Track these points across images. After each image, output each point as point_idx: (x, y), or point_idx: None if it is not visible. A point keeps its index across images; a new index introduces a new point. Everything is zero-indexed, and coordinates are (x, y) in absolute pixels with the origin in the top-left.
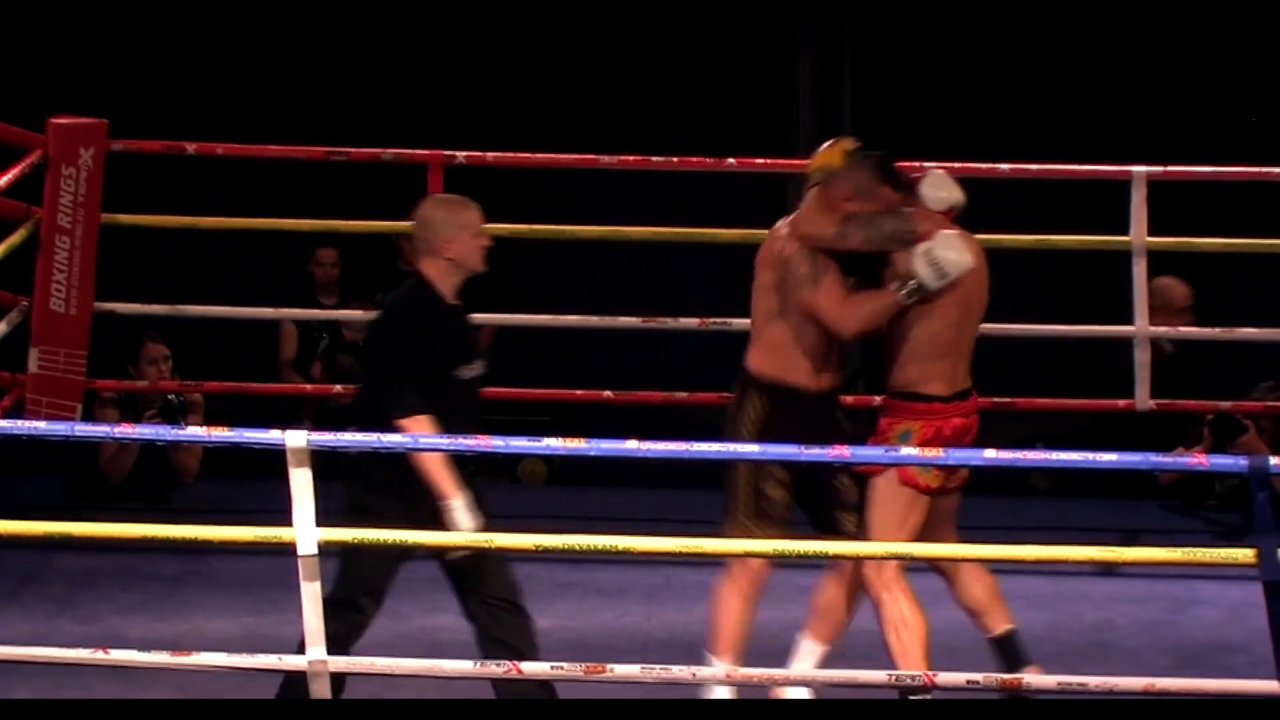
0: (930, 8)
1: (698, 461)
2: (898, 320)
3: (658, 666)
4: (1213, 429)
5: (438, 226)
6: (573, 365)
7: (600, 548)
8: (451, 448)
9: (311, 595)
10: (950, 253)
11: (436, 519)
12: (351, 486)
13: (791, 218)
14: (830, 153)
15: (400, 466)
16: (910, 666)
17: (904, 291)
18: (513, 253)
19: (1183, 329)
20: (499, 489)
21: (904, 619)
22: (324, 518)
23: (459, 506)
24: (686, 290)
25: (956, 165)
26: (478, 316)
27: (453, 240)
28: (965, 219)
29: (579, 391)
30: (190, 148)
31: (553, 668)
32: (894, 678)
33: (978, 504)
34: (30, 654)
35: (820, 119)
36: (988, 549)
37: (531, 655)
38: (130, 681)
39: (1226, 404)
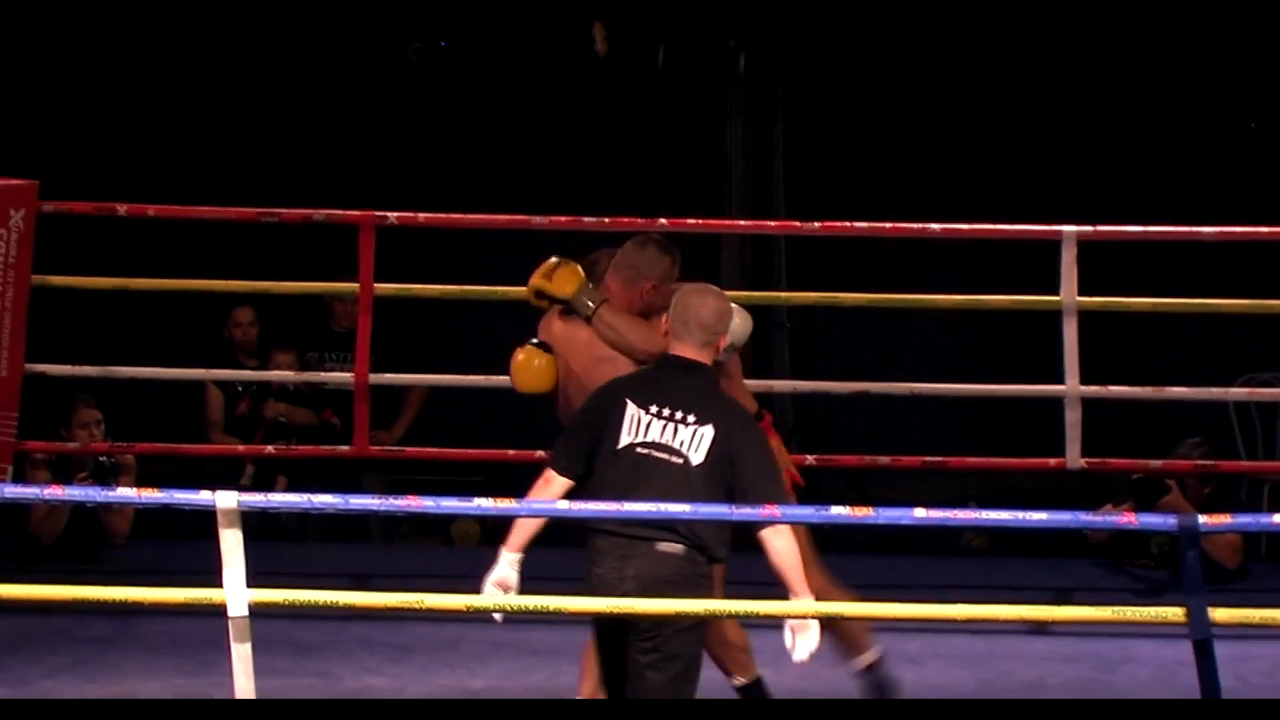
0: (862, 70)
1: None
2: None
3: None
4: (1134, 490)
5: (724, 321)
6: (506, 425)
7: (533, 608)
8: (383, 509)
9: (242, 656)
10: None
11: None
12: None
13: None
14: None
15: None
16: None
17: None
18: (445, 313)
19: (1114, 388)
20: (432, 548)
21: None
22: (255, 578)
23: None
24: None
25: (888, 225)
26: (409, 376)
27: (722, 336)
28: (900, 278)
29: (511, 452)
30: (121, 209)
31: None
32: None
33: (910, 563)
34: None
35: (752, 179)
36: (919, 608)
37: None
38: None
39: (1157, 463)
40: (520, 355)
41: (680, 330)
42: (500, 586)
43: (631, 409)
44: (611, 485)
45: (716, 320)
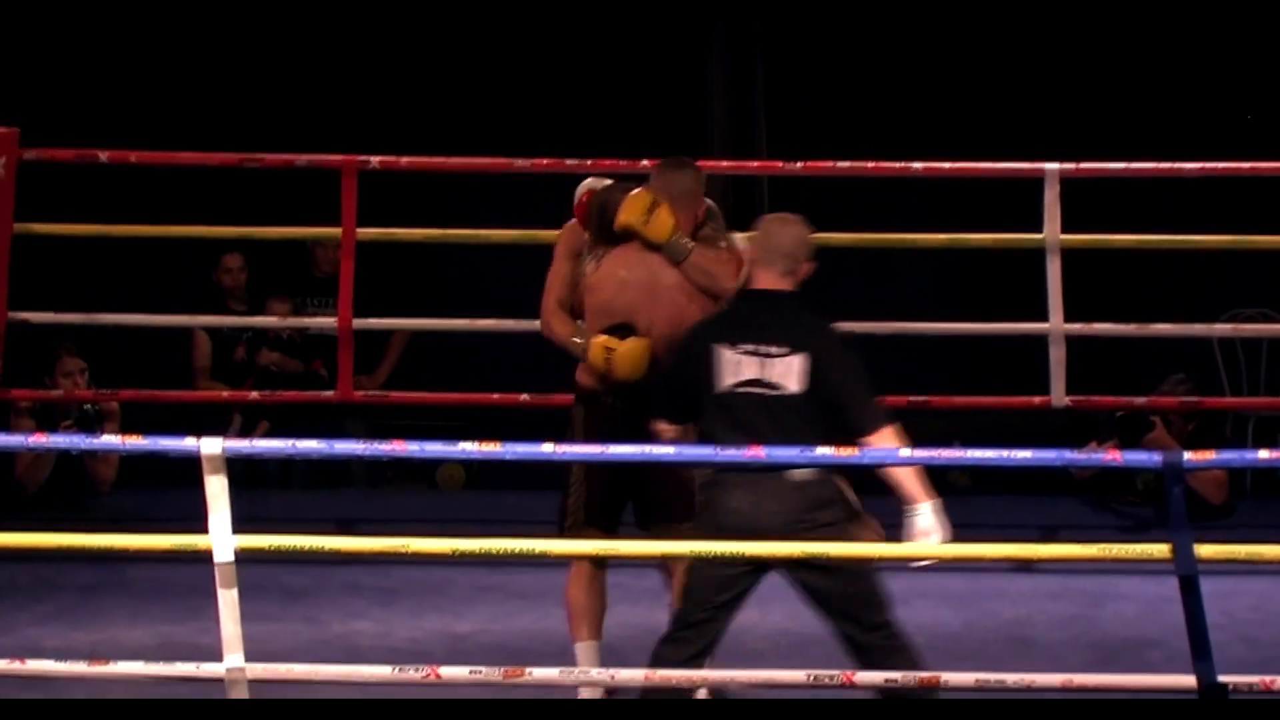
0: (842, 8)
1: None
2: None
3: (577, 669)
4: (1118, 428)
5: (806, 248)
6: (489, 369)
7: (518, 551)
8: (367, 453)
9: (229, 602)
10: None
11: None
12: (810, 509)
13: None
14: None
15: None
16: None
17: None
18: (427, 257)
19: (1098, 325)
20: (417, 493)
21: None
22: (240, 524)
23: (928, 511)
24: None
25: (870, 164)
26: (392, 321)
27: (807, 263)
28: (882, 217)
29: (495, 395)
30: (103, 155)
31: (471, 672)
32: (812, 677)
33: (894, 502)
34: None
35: (733, 120)
36: (905, 547)
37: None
38: (47, 692)
39: (1141, 400)
40: (631, 345)
41: (763, 259)
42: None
43: (723, 351)
44: (721, 428)
45: (798, 247)
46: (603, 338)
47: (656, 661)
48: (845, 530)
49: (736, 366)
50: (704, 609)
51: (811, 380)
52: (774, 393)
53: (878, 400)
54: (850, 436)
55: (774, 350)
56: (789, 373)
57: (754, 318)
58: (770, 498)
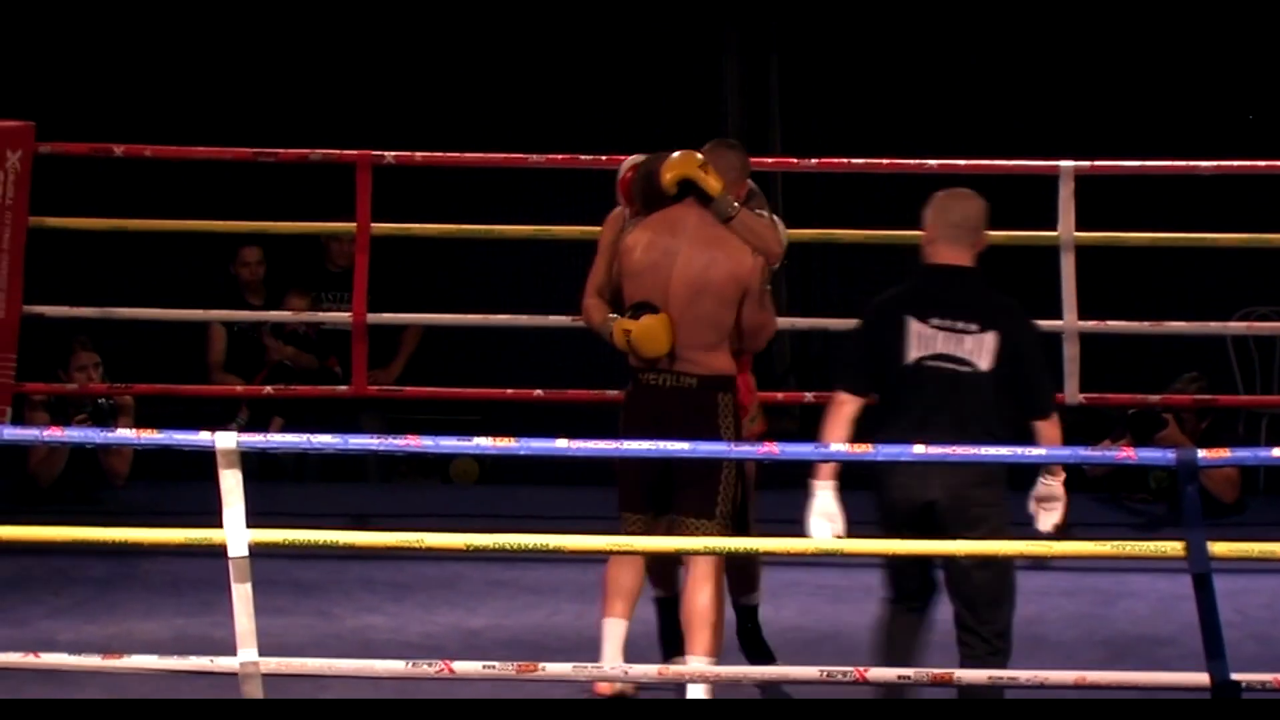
0: (857, 5)
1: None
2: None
3: (590, 665)
4: (1132, 425)
5: (984, 221)
6: (503, 364)
7: (532, 546)
8: (381, 448)
9: (242, 596)
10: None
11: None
12: (975, 486)
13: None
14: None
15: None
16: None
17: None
18: (442, 252)
19: (1112, 323)
20: (430, 488)
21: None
22: (254, 519)
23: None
24: None
25: (884, 162)
26: (406, 316)
27: (984, 235)
28: (897, 214)
29: (509, 391)
30: (118, 150)
31: (485, 667)
32: (825, 673)
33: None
34: None
35: (748, 116)
36: (919, 544)
37: None
38: (61, 685)
39: (1155, 397)
40: (646, 322)
41: (944, 235)
42: (826, 518)
43: (912, 324)
44: (904, 401)
45: (978, 221)
46: (620, 320)
47: (891, 641)
48: (1001, 513)
49: (927, 340)
50: (911, 573)
51: (1001, 358)
52: (964, 369)
53: (1054, 389)
54: (1026, 417)
55: (966, 326)
56: (980, 350)
57: (943, 292)
58: (940, 469)
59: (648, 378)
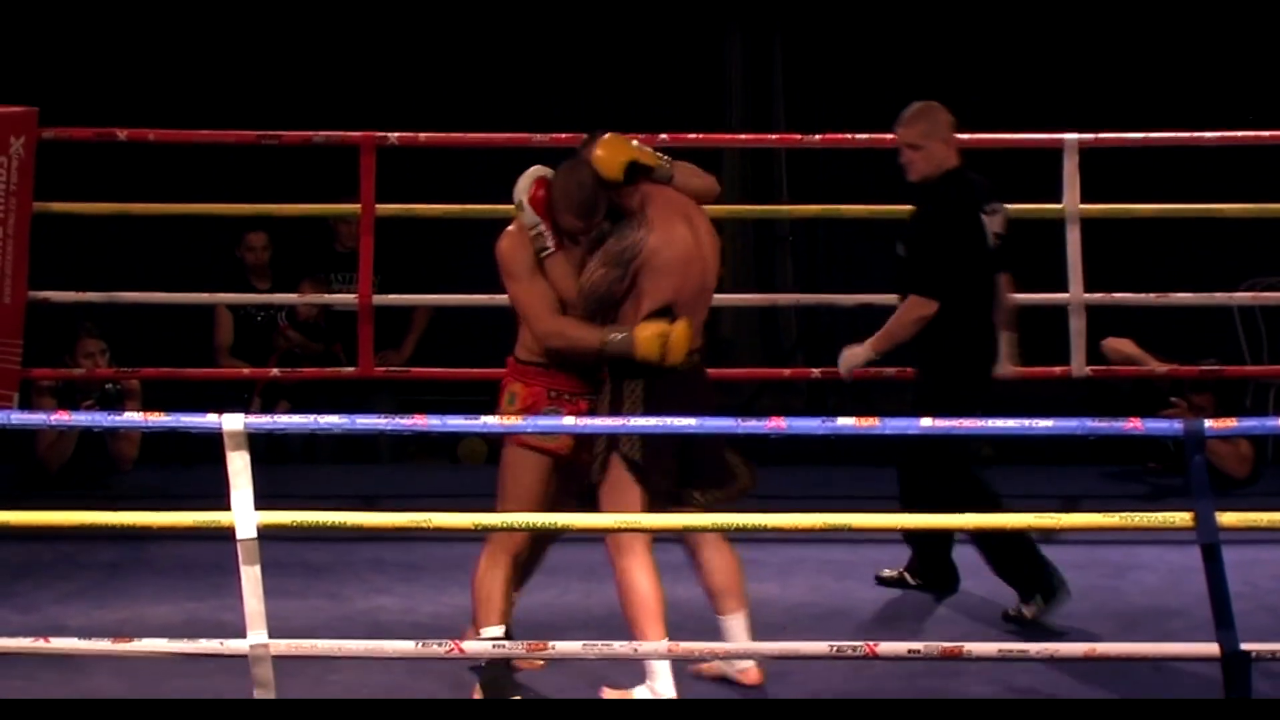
0: None
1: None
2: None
3: (599, 643)
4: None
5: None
6: (509, 344)
7: (540, 526)
8: (388, 428)
9: (252, 578)
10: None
11: None
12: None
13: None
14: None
15: None
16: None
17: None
18: (448, 233)
19: (1118, 295)
20: (439, 469)
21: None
22: (263, 501)
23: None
24: None
25: (888, 137)
26: (412, 297)
27: None
28: (901, 189)
29: None
30: (121, 134)
31: (494, 646)
32: (835, 649)
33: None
34: None
35: (751, 93)
36: (928, 518)
37: None
38: (71, 670)
39: (1163, 368)
40: (679, 329)
41: (950, 139)
42: (852, 357)
43: (982, 216)
44: (984, 283)
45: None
46: (654, 325)
47: None
48: None
49: (989, 224)
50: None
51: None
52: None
53: None
54: None
55: (995, 207)
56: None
57: (976, 184)
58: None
59: (686, 362)
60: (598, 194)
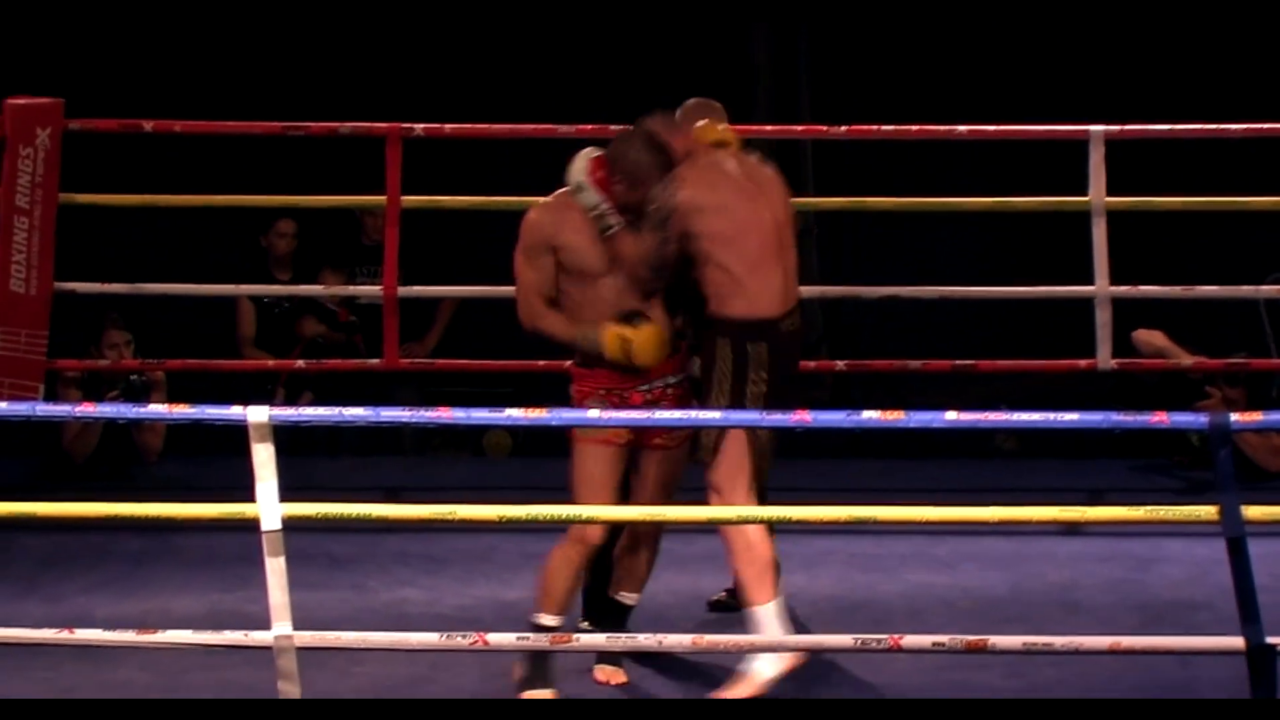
0: None
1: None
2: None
3: (623, 634)
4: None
5: None
6: (533, 337)
7: (565, 518)
8: (413, 420)
9: (276, 570)
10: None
11: None
12: None
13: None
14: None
15: None
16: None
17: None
18: (473, 224)
19: (1144, 288)
20: (463, 461)
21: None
22: (287, 493)
23: None
24: None
25: (914, 128)
26: (439, 289)
27: None
28: (927, 181)
29: (541, 362)
30: (147, 125)
31: (519, 638)
32: (859, 641)
33: (941, 466)
34: None
35: (777, 84)
36: (951, 511)
37: None
38: (96, 661)
39: (1189, 360)
40: (644, 333)
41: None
42: None
43: None
44: None
45: None
46: (616, 327)
47: None
48: None
49: None
50: None
51: None
52: None
53: None
54: None
55: None
56: None
57: None
58: None
59: (787, 324)
60: (654, 162)
